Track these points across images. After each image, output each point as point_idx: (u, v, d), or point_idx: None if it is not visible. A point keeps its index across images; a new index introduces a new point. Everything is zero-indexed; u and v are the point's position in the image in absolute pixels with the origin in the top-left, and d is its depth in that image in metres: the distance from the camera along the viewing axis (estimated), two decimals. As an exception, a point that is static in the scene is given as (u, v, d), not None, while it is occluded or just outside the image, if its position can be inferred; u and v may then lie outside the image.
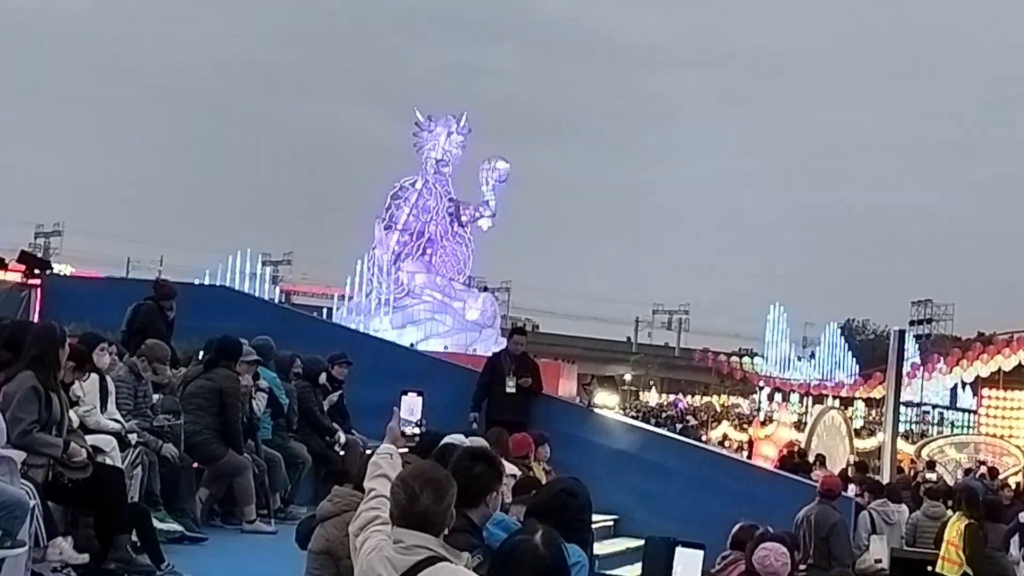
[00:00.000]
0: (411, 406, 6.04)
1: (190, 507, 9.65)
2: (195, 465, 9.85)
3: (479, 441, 8.57)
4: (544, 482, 9.69)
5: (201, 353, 11.50)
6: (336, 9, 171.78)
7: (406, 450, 5.97)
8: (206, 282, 28.36)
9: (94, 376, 8.67)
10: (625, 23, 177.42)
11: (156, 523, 8.52)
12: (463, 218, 34.61)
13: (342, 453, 11.98)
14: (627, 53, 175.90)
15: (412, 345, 25.68)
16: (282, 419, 11.44)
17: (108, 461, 8.12)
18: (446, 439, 7.86)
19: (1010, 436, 34.06)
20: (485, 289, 38.28)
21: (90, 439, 8.01)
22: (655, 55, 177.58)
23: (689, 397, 71.40)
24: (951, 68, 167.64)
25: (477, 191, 34.94)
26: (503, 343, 21.16)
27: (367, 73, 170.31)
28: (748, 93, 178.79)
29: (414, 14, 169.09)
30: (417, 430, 5.96)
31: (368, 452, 5.78)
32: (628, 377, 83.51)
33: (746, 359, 63.20)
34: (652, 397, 74.31)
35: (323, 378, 12.31)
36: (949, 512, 14.80)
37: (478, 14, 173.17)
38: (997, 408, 36.37)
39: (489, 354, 17.41)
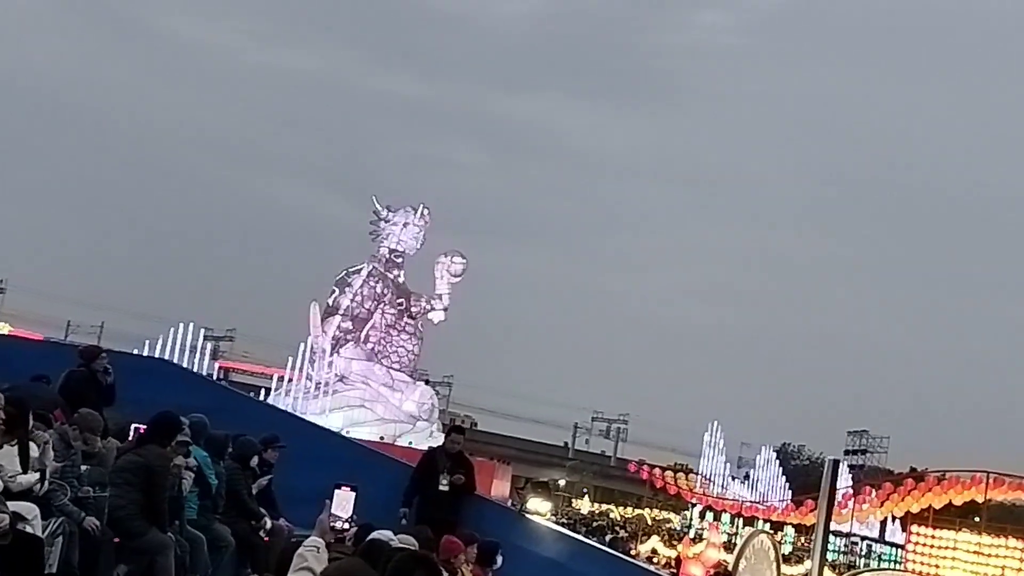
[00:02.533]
0: (343, 501, 5.96)
1: (107, 582, 9.45)
2: (116, 540, 9.66)
3: (408, 539, 8.48)
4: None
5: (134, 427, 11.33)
6: (305, 90, 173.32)
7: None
8: (146, 352, 28.12)
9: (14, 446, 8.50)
10: (591, 131, 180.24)
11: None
12: (413, 310, 34.60)
13: (267, 539, 11.80)
14: (590, 160, 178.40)
15: (347, 432, 25.48)
16: (209, 500, 11.26)
17: (29, 529, 7.95)
18: (373, 535, 7.77)
19: (936, 575, 34.11)
20: (427, 382, 38.08)
21: (12, 506, 7.85)
22: (618, 165, 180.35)
23: (621, 508, 71.14)
24: (906, 204, 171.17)
25: (431, 283, 35.05)
26: (438, 437, 21.06)
27: (329, 156, 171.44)
28: (707, 212, 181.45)
29: (381, 102, 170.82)
30: (347, 526, 5.88)
31: (293, 540, 5.70)
32: (562, 483, 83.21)
33: (680, 475, 63.23)
34: (585, 505, 74.00)
35: (254, 461, 12.16)
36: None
37: (445, 108, 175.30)
38: (925, 546, 36.40)
39: (425, 448, 17.31)
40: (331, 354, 32.56)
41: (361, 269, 34.30)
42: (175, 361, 26.78)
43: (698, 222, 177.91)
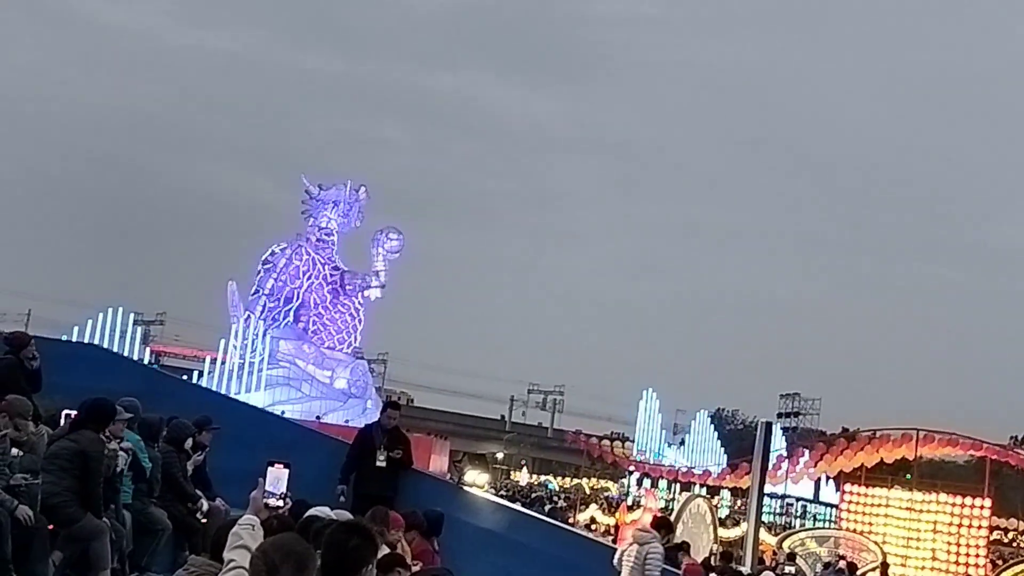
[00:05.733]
0: (277, 478, 5.95)
1: (42, 570, 9.38)
2: (50, 527, 9.58)
3: (344, 513, 8.49)
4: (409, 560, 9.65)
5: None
6: (228, 71, 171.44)
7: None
8: (74, 338, 27.77)
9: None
10: (517, 106, 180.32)
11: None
12: (348, 288, 34.40)
13: (204, 521, 11.76)
14: (517, 135, 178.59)
15: (283, 413, 25.39)
16: (144, 484, 11.20)
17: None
18: (311, 511, 7.78)
19: (870, 532, 34.71)
20: (360, 359, 37.94)
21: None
22: (545, 139, 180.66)
23: (559, 478, 71.51)
24: (827, 168, 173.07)
25: (368, 261, 34.88)
26: (372, 413, 20.98)
27: (255, 137, 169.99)
28: (634, 182, 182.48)
29: (305, 81, 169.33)
30: (281, 503, 5.87)
31: (230, 520, 5.69)
32: (500, 455, 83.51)
33: (617, 443, 63.59)
34: (523, 476, 74.30)
35: (188, 443, 12.10)
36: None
37: (370, 86, 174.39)
38: (858, 504, 37.07)
39: (361, 425, 17.29)
40: (263, 334, 32.30)
41: (284, 248, 34.04)
42: (105, 347, 26.44)
43: (623, 194, 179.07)
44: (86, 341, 27.37)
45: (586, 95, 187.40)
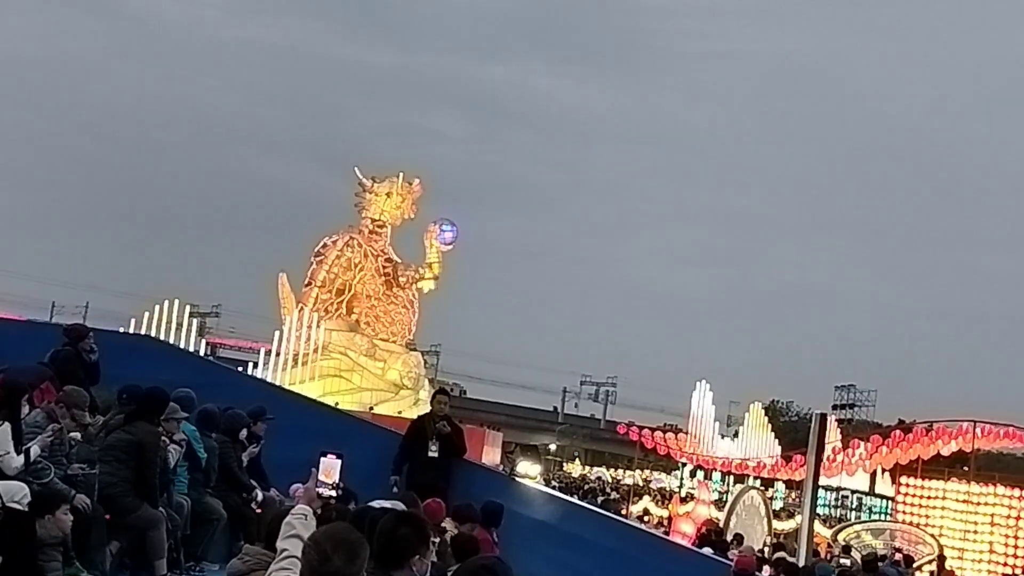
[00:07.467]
0: (329, 468, 5.97)
1: (100, 559, 9.50)
2: (107, 517, 9.69)
3: (396, 504, 8.54)
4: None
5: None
6: (280, 63, 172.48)
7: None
8: (131, 330, 28.06)
9: (6, 424, 8.53)
10: (568, 95, 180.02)
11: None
12: (401, 280, 34.48)
13: (259, 511, 11.86)
14: (569, 125, 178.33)
15: (336, 404, 25.50)
16: (199, 474, 11.30)
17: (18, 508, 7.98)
18: (369, 504, 7.81)
19: (926, 525, 34.37)
20: (413, 350, 38.06)
21: (1, 486, 7.87)
22: (597, 129, 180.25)
23: (612, 470, 71.41)
24: (882, 158, 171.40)
25: (422, 252, 34.96)
26: (424, 405, 20.99)
27: (308, 128, 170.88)
28: (685, 172, 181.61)
29: (357, 73, 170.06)
30: (333, 493, 5.90)
31: (284, 510, 5.74)
32: (553, 447, 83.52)
33: (670, 435, 63.30)
34: (576, 468, 74.25)
35: (243, 434, 12.20)
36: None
37: (420, 77, 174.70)
38: (914, 496, 36.71)
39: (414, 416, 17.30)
40: (317, 325, 32.47)
41: (336, 240, 34.22)
42: (162, 339, 26.70)
43: (676, 183, 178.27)
44: (143, 333, 27.63)
45: (637, 84, 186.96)
